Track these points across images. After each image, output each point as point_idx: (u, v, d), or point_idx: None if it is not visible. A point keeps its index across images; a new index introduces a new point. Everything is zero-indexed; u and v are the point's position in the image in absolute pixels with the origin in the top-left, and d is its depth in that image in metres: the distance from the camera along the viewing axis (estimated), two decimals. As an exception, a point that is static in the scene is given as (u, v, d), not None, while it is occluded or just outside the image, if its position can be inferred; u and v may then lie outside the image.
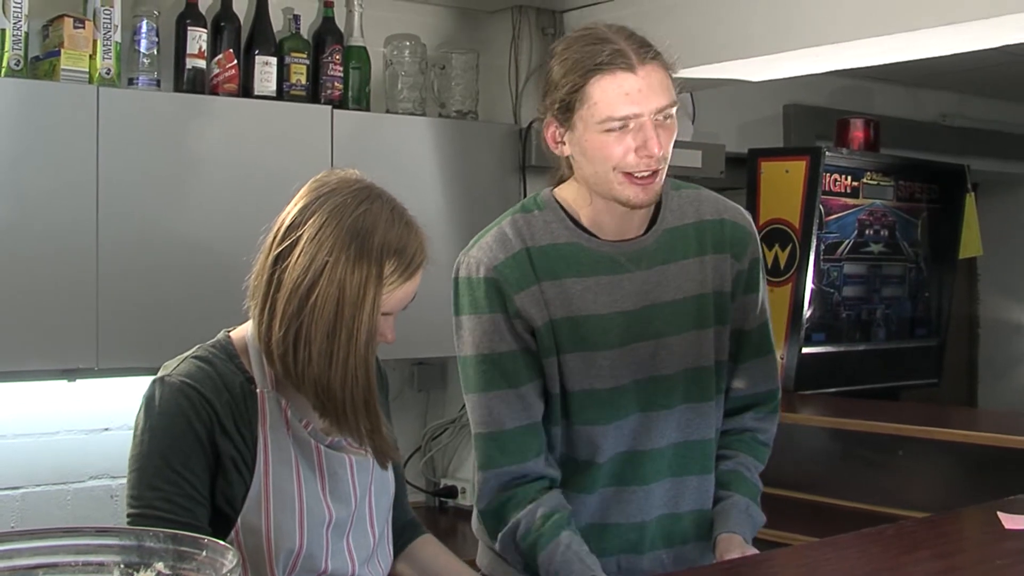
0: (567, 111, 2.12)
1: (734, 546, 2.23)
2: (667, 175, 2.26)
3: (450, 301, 2.27)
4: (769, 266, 4.84)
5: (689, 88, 4.31)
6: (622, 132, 2.08)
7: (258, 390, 1.92)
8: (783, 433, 4.20)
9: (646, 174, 2.12)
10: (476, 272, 2.22)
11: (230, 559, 1.24)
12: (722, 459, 2.38)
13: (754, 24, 3.78)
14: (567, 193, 2.26)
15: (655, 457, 2.28)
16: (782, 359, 4.74)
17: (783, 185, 4.84)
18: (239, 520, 1.89)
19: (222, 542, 1.29)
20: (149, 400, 1.90)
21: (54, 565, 1.32)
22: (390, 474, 2.09)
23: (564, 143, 2.17)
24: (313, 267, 1.85)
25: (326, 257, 1.85)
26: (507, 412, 2.21)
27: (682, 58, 3.81)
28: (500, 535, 2.23)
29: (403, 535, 2.22)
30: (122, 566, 1.32)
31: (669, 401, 2.28)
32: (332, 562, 1.95)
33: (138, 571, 1.31)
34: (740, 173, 4.92)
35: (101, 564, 1.33)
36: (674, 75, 2.15)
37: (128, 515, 1.86)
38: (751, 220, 2.38)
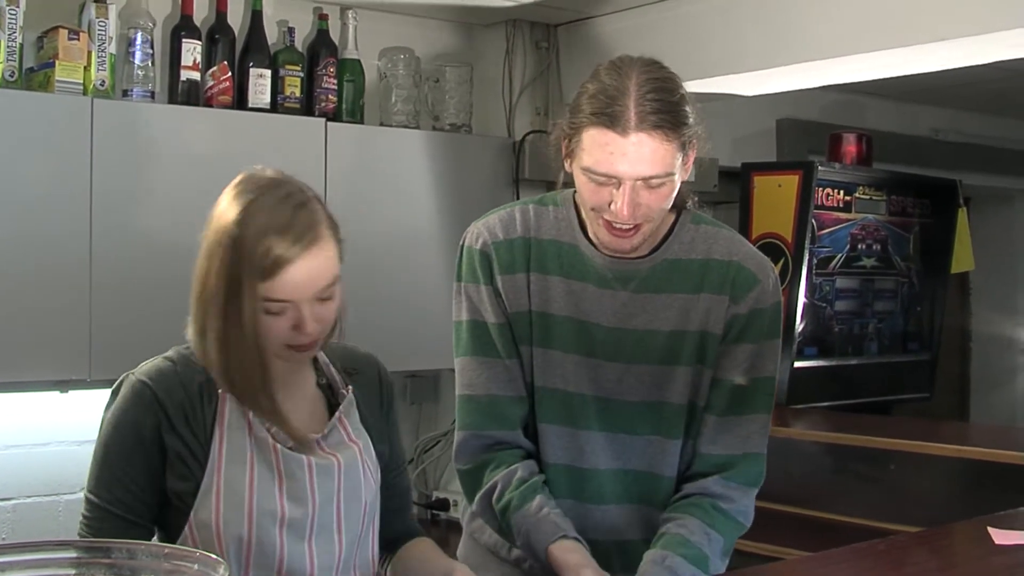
0: (569, 140, 2.13)
1: None
2: (688, 203, 2.27)
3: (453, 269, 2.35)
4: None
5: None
6: (601, 185, 2.08)
7: (220, 391, 1.98)
8: (775, 447, 4.22)
9: (623, 227, 2.12)
10: (475, 244, 2.29)
11: (221, 573, 1.24)
12: (667, 522, 2.21)
13: (748, 39, 3.79)
14: None
15: (615, 478, 2.27)
16: (774, 373, 4.74)
17: (776, 199, 4.84)
18: (192, 515, 1.94)
19: (213, 555, 1.29)
20: (111, 396, 2.01)
21: (48, 579, 1.32)
22: (365, 482, 2.08)
23: (567, 160, 2.17)
24: (204, 263, 1.95)
25: (213, 250, 1.93)
26: (494, 380, 2.26)
27: (676, 72, 3.87)
28: (478, 496, 2.26)
29: (398, 543, 2.23)
30: (114, 579, 1.33)
31: (635, 427, 2.26)
32: (289, 563, 1.97)
33: (130, 585, 1.32)
34: (733, 187, 4.93)
35: (93, 578, 1.34)
36: (692, 140, 2.09)
37: (83, 504, 1.99)
38: (769, 272, 2.28)
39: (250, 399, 1.97)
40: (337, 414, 2.08)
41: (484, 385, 2.26)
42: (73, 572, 1.32)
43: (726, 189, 4.81)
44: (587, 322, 2.23)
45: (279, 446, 1.98)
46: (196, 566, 1.28)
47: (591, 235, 2.24)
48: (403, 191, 3.93)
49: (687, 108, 2.08)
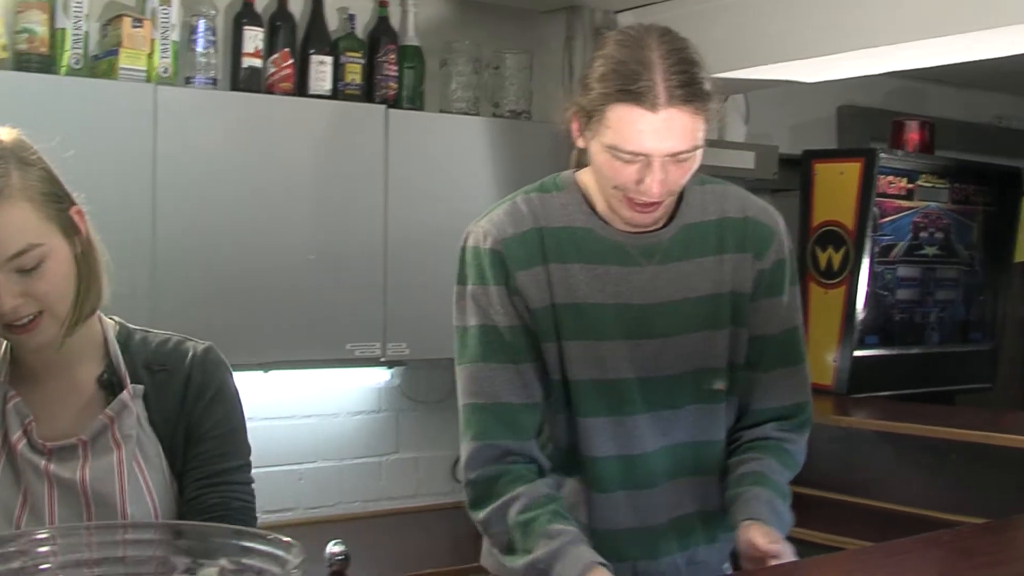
0: (588, 117, 2.05)
1: (757, 526, 2.05)
2: (705, 172, 2.20)
3: (454, 269, 2.21)
4: (823, 268, 4.82)
5: (743, 89, 4.30)
6: (627, 163, 2.02)
7: None
8: (836, 436, 4.19)
9: (646, 202, 2.06)
10: (483, 243, 2.16)
11: (295, 555, 1.25)
12: (744, 463, 2.22)
13: (810, 24, 3.76)
14: (588, 178, 2.18)
15: (664, 457, 2.21)
16: (835, 362, 4.72)
17: (837, 187, 4.80)
18: None
19: (287, 538, 1.30)
20: None
21: (121, 559, 1.34)
22: (132, 495, 1.79)
23: (582, 137, 2.10)
24: None
25: None
26: (507, 386, 2.14)
27: (737, 58, 3.85)
28: (491, 507, 2.12)
29: None
30: (187, 561, 1.34)
31: (677, 401, 2.20)
32: None
33: (203, 566, 1.33)
34: (793, 174, 4.89)
35: (166, 559, 1.35)
36: (717, 105, 2.05)
37: None
38: (779, 220, 2.28)
39: None
40: (102, 415, 1.80)
41: (496, 393, 2.14)
42: (147, 553, 1.34)
43: (785, 176, 4.77)
44: (618, 304, 2.16)
45: (24, 451, 1.77)
46: (268, 548, 1.28)
47: (602, 214, 2.17)
48: (462, 177, 3.92)
49: (707, 76, 2.03)
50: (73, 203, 1.81)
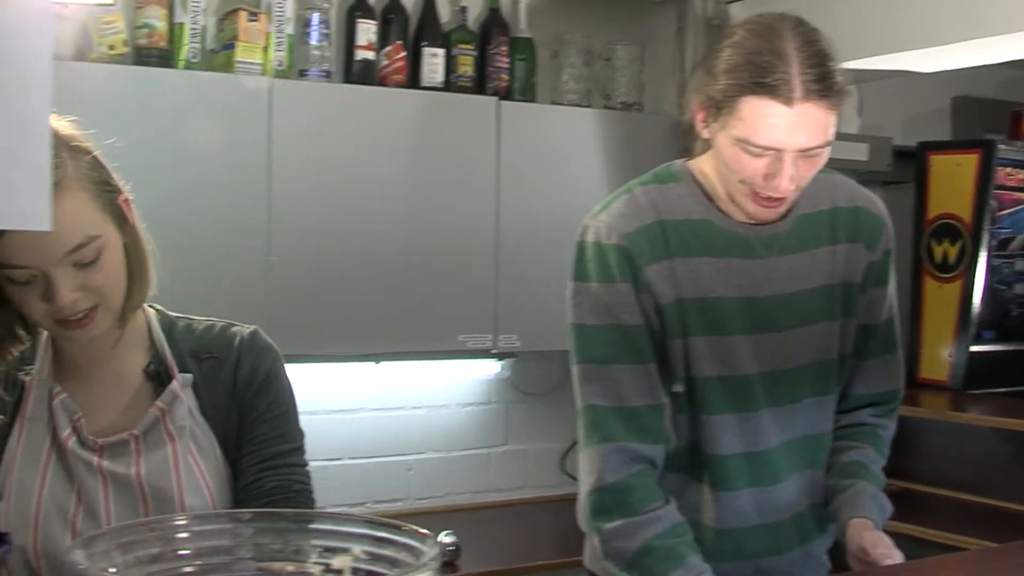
0: (716, 108, 2.00)
1: (868, 531, 2.06)
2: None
3: (571, 264, 2.14)
4: (938, 262, 4.74)
5: (857, 80, 4.23)
6: (757, 156, 1.97)
7: (28, 377, 1.77)
8: (952, 432, 4.12)
9: (773, 196, 2.02)
10: (607, 238, 2.09)
11: (430, 546, 1.25)
12: (844, 450, 2.25)
13: (930, 12, 3.68)
14: (706, 167, 2.14)
15: (785, 452, 2.19)
16: (950, 357, 4.64)
17: (954, 179, 4.71)
18: None
19: (423, 529, 1.29)
20: None
21: (256, 547, 1.34)
22: (189, 486, 1.76)
23: (708, 128, 2.05)
24: None
25: None
26: (633, 388, 2.08)
27: (851, 49, 3.78)
28: (623, 521, 2.06)
29: None
30: (320, 550, 1.34)
31: (796, 395, 2.18)
32: None
33: (336, 555, 1.33)
34: (907, 166, 4.82)
35: (298, 548, 1.35)
36: (845, 100, 2.00)
37: None
38: (885, 209, 2.26)
39: None
40: (153, 407, 1.77)
41: (622, 395, 2.08)
42: (280, 542, 1.35)
43: (899, 168, 4.70)
44: (742, 298, 2.12)
45: (75, 448, 1.73)
46: (403, 538, 1.28)
47: (720, 205, 2.13)
48: (574, 169, 3.92)
49: (840, 69, 1.98)
50: (120, 191, 1.74)
